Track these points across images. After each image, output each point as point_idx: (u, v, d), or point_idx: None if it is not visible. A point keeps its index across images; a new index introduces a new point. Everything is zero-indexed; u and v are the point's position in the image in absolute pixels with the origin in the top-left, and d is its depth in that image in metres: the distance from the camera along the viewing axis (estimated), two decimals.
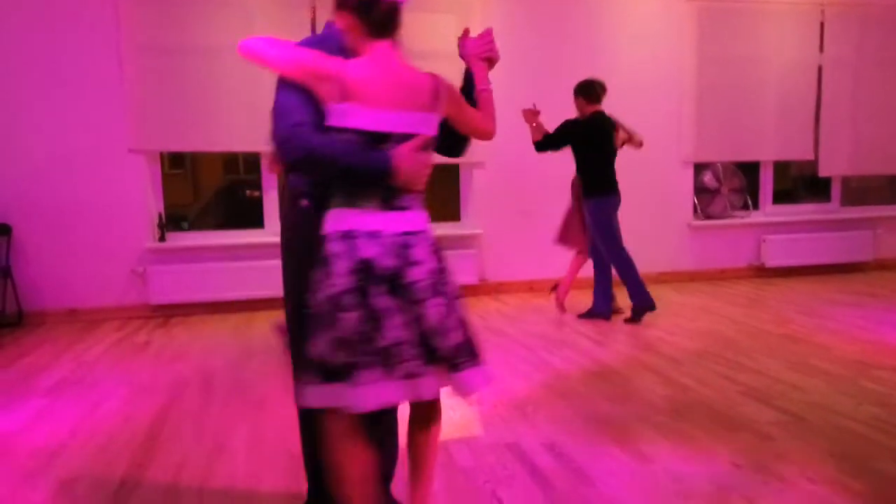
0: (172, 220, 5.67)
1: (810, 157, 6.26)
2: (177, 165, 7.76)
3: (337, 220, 1.64)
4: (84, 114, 4.84)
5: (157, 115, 4.90)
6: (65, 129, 4.82)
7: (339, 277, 1.58)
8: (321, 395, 1.59)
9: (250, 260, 5.09)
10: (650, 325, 4.44)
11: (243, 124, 4.94)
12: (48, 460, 2.53)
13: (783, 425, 2.71)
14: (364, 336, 1.57)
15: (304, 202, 1.79)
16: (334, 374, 1.58)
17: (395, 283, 1.59)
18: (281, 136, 1.62)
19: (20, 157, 4.77)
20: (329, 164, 1.60)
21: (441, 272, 1.66)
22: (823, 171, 6.32)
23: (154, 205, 5.13)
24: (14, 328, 4.75)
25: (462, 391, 1.69)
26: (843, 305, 4.95)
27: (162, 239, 5.12)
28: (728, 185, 6.22)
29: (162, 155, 5.27)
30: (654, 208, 5.92)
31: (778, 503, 2.08)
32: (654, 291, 4.58)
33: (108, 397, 3.24)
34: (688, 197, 6.13)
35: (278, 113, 1.63)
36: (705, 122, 5.98)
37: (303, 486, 2.27)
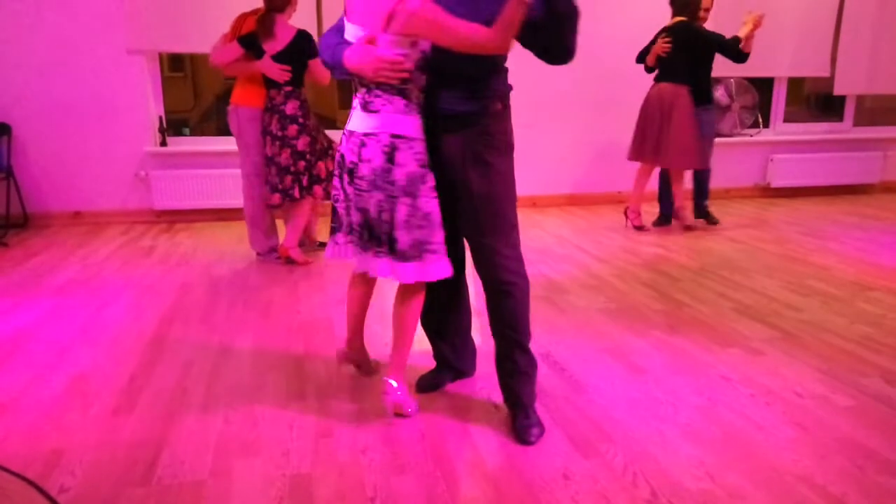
0: (173, 126, 5.59)
1: (826, 73, 6.08)
2: (176, 68, 7.58)
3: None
4: (82, 12, 4.67)
5: (155, 15, 4.73)
6: (63, 29, 4.67)
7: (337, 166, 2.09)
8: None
9: None
10: (650, 244, 4.46)
11: None
12: (59, 357, 2.61)
13: (775, 342, 2.77)
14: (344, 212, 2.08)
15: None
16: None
17: (351, 174, 1.96)
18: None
19: (18, 56, 4.66)
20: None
21: (386, 171, 1.89)
22: (839, 90, 6.15)
23: (154, 108, 5.04)
24: (20, 230, 4.79)
25: (399, 278, 1.98)
26: (845, 227, 4.95)
27: (163, 144, 5.06)
28: (740, 102, 6.07)
29: (161, 56, 5.13)
30: None
31: (763, 415, 2.16)
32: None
33: (115, 299, 3.31)
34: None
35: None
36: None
37: (305, 388, 2.36)
